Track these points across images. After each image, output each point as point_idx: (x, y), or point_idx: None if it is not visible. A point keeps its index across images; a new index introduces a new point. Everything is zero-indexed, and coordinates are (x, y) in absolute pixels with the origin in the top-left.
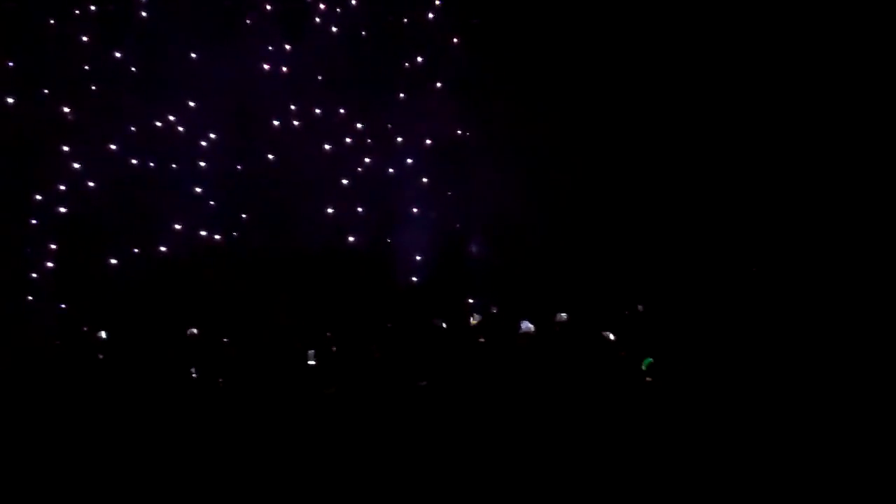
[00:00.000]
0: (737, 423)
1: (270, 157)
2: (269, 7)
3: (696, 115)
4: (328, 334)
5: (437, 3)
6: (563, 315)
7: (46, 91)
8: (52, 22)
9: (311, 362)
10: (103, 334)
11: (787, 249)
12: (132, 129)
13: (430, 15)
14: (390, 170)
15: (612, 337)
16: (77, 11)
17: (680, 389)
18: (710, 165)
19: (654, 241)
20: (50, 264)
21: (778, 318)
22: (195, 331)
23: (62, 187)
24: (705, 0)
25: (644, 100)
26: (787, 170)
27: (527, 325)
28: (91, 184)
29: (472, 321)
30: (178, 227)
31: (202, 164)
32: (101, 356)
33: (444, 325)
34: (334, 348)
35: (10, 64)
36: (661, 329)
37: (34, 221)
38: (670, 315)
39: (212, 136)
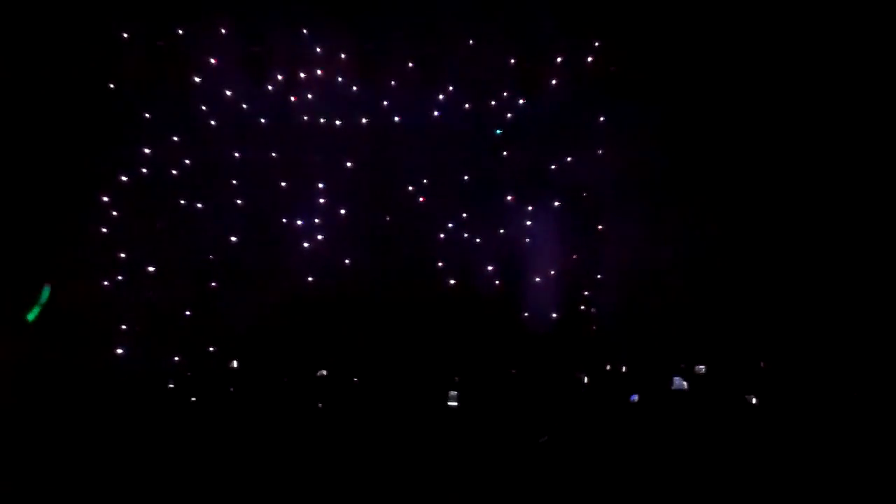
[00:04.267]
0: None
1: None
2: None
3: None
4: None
5: (559, 59)
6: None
7: (176, 139)
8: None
9: (453, 403)
10: (235, 364)
11: None
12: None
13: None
14: (524, 222)
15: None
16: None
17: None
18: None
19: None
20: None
21: None
22: (324, 372)
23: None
24: None
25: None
26: None
27: (679, 382)
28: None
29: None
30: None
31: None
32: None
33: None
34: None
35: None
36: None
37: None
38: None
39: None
